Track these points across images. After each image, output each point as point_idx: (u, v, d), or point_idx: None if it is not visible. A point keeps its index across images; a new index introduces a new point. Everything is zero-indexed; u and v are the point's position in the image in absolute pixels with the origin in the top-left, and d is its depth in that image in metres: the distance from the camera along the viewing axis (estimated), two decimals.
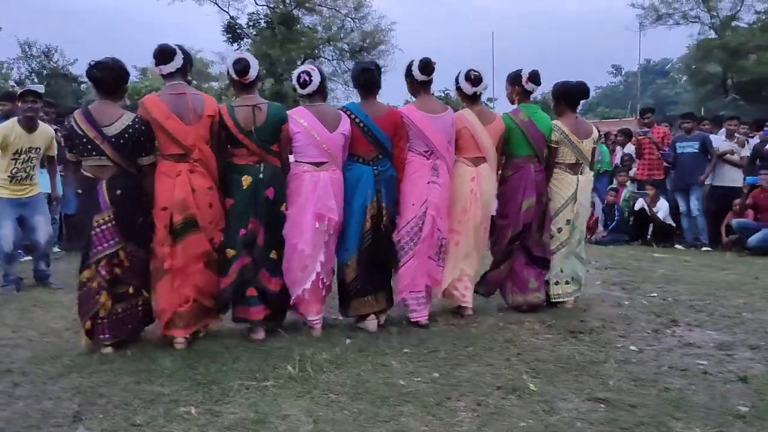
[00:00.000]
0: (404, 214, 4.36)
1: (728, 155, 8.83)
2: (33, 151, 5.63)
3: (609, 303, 5.21)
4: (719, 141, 8.99)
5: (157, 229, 3.85)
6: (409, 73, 4.49)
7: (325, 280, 4.19)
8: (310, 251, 4.05)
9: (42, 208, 5.84)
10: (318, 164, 4.10)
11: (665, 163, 9.24)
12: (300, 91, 4.19)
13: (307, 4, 30.61)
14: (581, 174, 4.93)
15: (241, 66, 3.99)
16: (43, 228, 5.78)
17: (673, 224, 9.17)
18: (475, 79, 4.60)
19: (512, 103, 5.00)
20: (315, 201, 4.04)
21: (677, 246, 8.91)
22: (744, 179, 8.56)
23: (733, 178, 8.87)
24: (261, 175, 3.98)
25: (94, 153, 3.73)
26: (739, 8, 31.37)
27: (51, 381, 3.35)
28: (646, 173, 9.40)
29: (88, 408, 2.99)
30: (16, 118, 5.65)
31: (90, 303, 3.76)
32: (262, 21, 31.06)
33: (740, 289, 5.87)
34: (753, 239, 8.12)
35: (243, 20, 30.82)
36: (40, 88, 5.86)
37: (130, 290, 3.85)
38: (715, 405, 3.05)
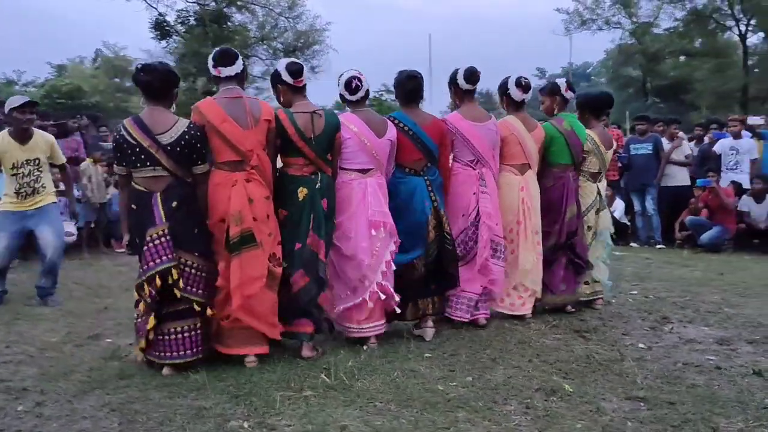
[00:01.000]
0: (455, 224, 4.39)
1: (673, 156, 9.26)
2: (32, 164, 5.24)
3: (599, 301, 5.36)
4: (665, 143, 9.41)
5: (216, 242, 3.65)
6: (453, 82, 4.55)
7: (388, 289, 4.07)
8: (369, 260, 3.97)
9: (49, 218, 5.35)
10: (364, 171, 4.06)
11: (619, 164, 9.58)
12: (348, 96, 4.14)
13: (238, 2, 30.05)
14: (600, 182, 5.12)
15: (296, 67, 3.90)
16: (50, 240, 5.31)
17: (628, 223, 9.54)
18: (525, 85, 4.69)
19: (550, 113, 5.08)
20: (366, 209, 3.98)
21: (632, 244, 9.28)
22: (696, 181, 8.97)
23: (681, 178, 9.30)
24: (318, 185, 3.83)
25: (148, 163, 3.50)
26: (657, 15, 32.85)
27: (75, 399, 3.17)
28: None
29: (130, 426, 2.85)
30: (6, 130, 5.29)
31: (143, 321, 3.53)
32: (192, 18, 30.31)
33: (710, 285, 6.17)
34: (705, 236, 8.55)
35: (172, 17, 29.98)
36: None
37: (196, 307, 3.54)
38: (746, 399, 3.18)
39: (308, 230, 3.79)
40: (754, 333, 4.44)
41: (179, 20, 30.10)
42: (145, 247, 3.45)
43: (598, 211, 5.10)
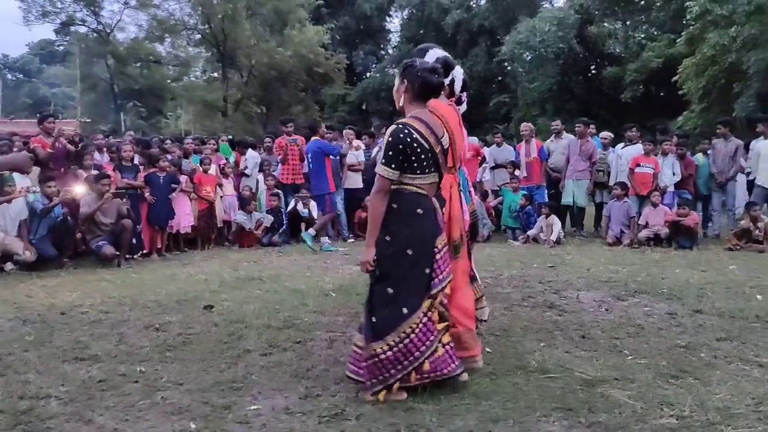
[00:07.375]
0: None
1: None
2: None
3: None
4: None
5: None
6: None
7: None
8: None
9: None
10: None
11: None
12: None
13: None
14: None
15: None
16: None
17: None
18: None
19: None
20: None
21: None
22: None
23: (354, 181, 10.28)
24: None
25: (433, 170, 3.26)
26: (119, 18, 32.20)
27: None
28: (291, 178, 10.04)
29: None
30: None
31: (427, 341, 3.17)
32: None
33: (508, 266, 7.26)
34: None
35: None
36: None
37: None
38: None
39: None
40: (624, 290, 5.73)
41: None
42: (438, 255, 3.26)
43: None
